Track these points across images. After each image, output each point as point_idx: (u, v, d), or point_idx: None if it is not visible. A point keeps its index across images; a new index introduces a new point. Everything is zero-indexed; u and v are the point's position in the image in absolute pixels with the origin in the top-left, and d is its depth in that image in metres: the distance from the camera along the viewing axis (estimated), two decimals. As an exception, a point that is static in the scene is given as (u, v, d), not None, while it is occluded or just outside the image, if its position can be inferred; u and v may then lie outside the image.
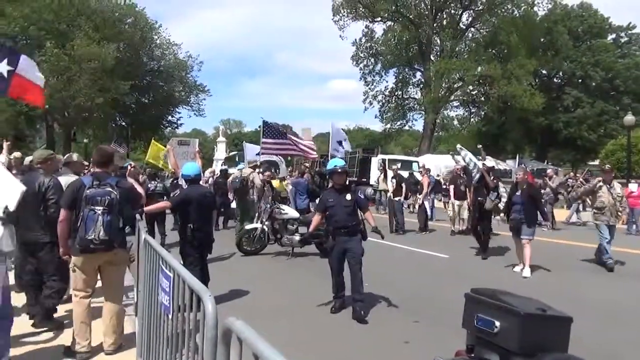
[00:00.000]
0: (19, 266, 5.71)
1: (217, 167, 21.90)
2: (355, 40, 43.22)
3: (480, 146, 12.27)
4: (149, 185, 10.12)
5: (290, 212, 10.19)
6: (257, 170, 12.47)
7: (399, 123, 45.05)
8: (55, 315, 5.04)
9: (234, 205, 12.98)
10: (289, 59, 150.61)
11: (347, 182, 6.28)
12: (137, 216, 5.09)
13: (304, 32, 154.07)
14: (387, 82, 44.98)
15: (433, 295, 6.95)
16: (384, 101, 44.18)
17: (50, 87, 26.92)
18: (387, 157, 24.56)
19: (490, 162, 12.76)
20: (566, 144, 42.91)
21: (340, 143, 15.08)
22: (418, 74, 43.43)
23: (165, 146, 13.93)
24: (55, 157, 5.52)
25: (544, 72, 43.86)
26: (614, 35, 43.63)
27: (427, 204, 14.51)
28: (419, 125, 46.29)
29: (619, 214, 8.98)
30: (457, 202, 13.07)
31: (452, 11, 40.47)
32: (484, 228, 10.17)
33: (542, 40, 41.26)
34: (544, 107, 36.93)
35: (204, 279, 5.45)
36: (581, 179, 15.24)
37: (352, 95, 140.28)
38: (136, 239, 4.55)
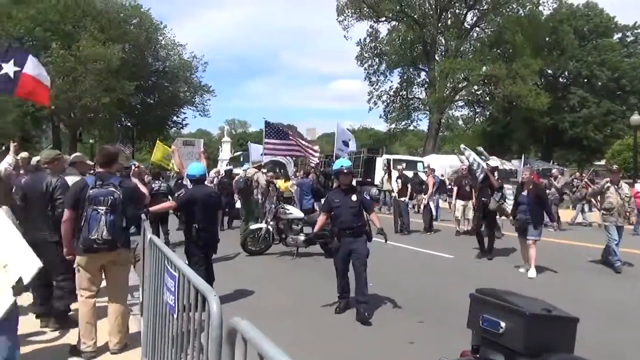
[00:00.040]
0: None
1: (222, 167, 21.96)
2: (360, 40, 43.28)
3: (480, 148, 12.23)
4: (153, 185, 10.14)
5: (294, 212, 10.20)
6: (261, 170, 12.49)
7: (403, 123, 44.99)
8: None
9: (238, 205, 13.00)
10: (293, 59, 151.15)
11: (354, 183, 6.27)
12: (143, 216, 5.11)
13: (308, 32, 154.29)
14: (391, 82, 45.09)
15: (438, 295, 6.93)
16: (388, 101, 44.15)
17: (56, 87, 27.09)
18: (391, 157, 24.50)
19: (494, 162, 12.70)
20: (572, 144, 42.71)
21: (346, 143, 15.07)
22: (423, 74, 43.40)
23: (170, 147, 13.98)
24: (62, 157, 5.55)
25: (549, 71, 43.67)
26: (620, 35, 43.38)
27: (432, 204, 14.48)
28: (423, 125, 46.29)
29: (628, 214, 8.90)
30: (462, 203, 13.02)
31: (457, 11, 40.39)
32: (489, 228, 10.13)
33: (547, 39, 41.10)
34: (549, 107, 36.78)
35: (209, 278, 5.47)
36: (586, 179, 15.14)
37: (357, 95, 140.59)
38: (142, 239, 4.57)
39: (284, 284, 7.73)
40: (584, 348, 2.44)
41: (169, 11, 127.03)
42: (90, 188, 4.14)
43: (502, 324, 2.26)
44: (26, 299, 5.50)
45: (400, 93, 44.03)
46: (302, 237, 9.47)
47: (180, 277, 2.69)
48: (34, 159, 6.33)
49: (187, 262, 4.87)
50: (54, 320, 4.90)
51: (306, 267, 8.98)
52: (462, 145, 11.15)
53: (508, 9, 38.26)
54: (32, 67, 6.93)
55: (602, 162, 37.16)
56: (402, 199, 13.47)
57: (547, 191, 12.19)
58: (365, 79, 44.27)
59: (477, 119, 46.52)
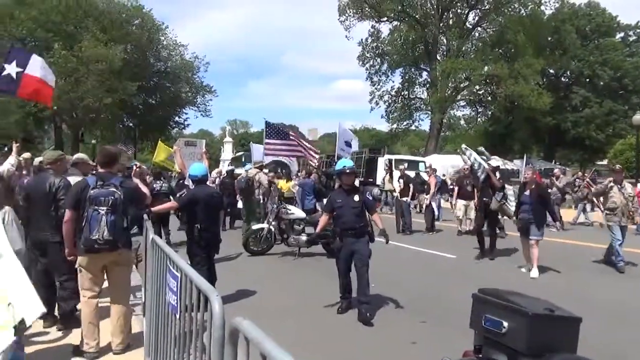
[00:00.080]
0: (29, 267, 5.75)
1: (224, 167, 21.97)
2: (362, 40, 43.28)
3: (481, 148, 12.19)
4: (155, 185, 10.16)
5: (296, 212, 10.20)
6: (262, 170, 12.50)
7: (405, 123, 44.96)
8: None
9: (240, 205, 13.01)
10: (295, 59, 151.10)
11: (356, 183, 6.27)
12: (145, 216, 5.12)
13: (310, 32, 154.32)
14: (393, 82, 44.98)
15: (440, 295, 6.93)
16: (390, 101, 44.15)
17: (59, 88, 27.06)
18: (393, 157, 24.50)
19: (495, 161, 12.65)
20: (574, 143, 42.66)
21: (348, 144, 15.05)
22: (424, 74, 43.36)
23: (172, 147, 13.99)
24: (65, 157, 5.55)
25: (551, 71, 43.64)
26: (622, 34, 43.35)
27: (434, 204, 14.48)
28: (425, 125, 46.30)
29: (632, 214, 8.86)
30: (463, 202, 13.01)
31: (459, 10, 40.35)
32: (491, 228, 10.12)
33: (549, 39, 41.07)
34: (551, 107, 36.73)
35: (211, 278, 5.47)
36: (587, 179, 15.12)
37: (359, 95, 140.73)
38: (144, 239, 4.58)
39: (286, 284, 7.74)
40: (586, 348, 2.43)
41: (170, 12, 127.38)
42: (91, 188, 4.15)
43: (505, 324, 2.26)
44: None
45: (402, 93, 44.03)
46: (304, 237, 9.49)
47: (182, 277, 2.69)
48: (37, 160, 6.35)
49: (189, 262, 4.88)
50: (60, 321, 4.91)
51: (308, 267, 8.98)
52: (463, 145, 11.13)
53: (510, 9, 38.21)
54: (36, 67, 6.95)
55: (605, 162, 37.08)
56: (404, 199, 13.47)
57: (549, 191, 12.17)
58: (367, 79, 44.36)
59: (479, 119, 46.50)
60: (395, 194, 14.86)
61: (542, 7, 38.97)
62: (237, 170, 16.25)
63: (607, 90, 40.83)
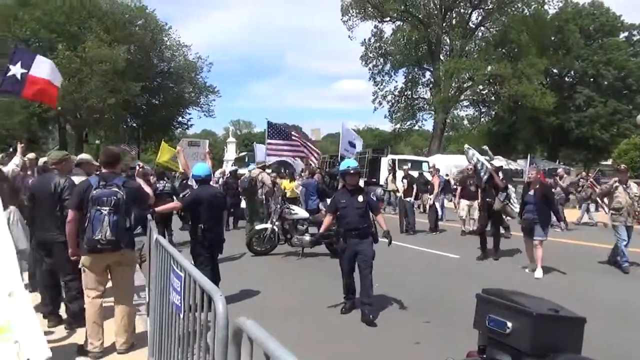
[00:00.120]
0: (33, 266, 5.78)
1: (227, 167, 21.99)
2: (364, 40, 43.17)
3: (485, 147, 12.16)
4: (158, 186, 10.19)
5: (300, 212, 10.20)
6: (265, 170, 12.51)
7: (408, 123, 44.84)
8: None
9: (244, 205, 13.03)
10: (298, 60, 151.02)
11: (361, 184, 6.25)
12: (149, 216, 5.13)
13: (312, 32, 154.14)
14: (396, 82, 44.88)
15: (444, 295, 6.92)
16: (393, 101, 44.05)
17: (62, 89, 27.12)
18: (397, 157, 24.50)
19: (498, 162, 12.62)
20: (578, 143, 42.50)
21: (352, 144, 15.05)
22: (427, 74, 43.27)
23: (175, 147, 14.02)
24: (70, 157, 5.58)
25: (555, 71, 43.46)
26: (626, 34, 43.12)
27: (437, 204, 14.46)
28: (428, 125, 46.13)
29: (638, 214, 8.81)
30: (467, 202, 12.99)
31: (462, 10, 40.23)
32: (494, 228, 10.10)
33: (553, 38, 40.91)
34: (555, 107, 36.60)
35: (215, 278, 5.48)
36: (591, 179, 15.06)
37: (361, 95, 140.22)
38: (147, 239, 4.59)
39: (289, 284, 7.74)
40: (590, 348, 2.42)
41: (174, 12, 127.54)
42: (94, 189, 4.16)
43: (509, 324, 2.26)
44: (34, 299, 5.54)
45: (405, 93, 43.93)
46: (307, 238, 9.49)
47: (186, 277, 2.70)
48: (41, 160, 6.38)
49: (192, 263, 4.89)
50: (70, 320, 4.93)
51: (311, 268, 8.98)
52: (466, 145, 11.12)
53: (513, 8, 38.06)
54: (41, 67, 6.97)
55: (609, 162, 36.96)
56: (408, 199, 13.45)
57: (553, 190, 12.13)
58: (370, 79, 44.25)
59: (482, 119, 46.34)
60: (398, 194, 14.84)
61: (546, 7, 38.85)
62: (241, 171, 16.27)
63: (611, 90, 40.65)
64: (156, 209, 6.09)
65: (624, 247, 8.53)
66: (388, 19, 41.10)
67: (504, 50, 39.46)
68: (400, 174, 15.24)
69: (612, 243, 9.02)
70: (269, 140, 13.27)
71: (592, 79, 41.63)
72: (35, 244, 5.18)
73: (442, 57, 40.32)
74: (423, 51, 41.78)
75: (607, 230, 9.04)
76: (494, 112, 43.46)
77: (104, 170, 4.45)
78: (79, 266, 4.36)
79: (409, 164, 16.61)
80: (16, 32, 31.64)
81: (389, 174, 18.40)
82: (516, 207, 9.53)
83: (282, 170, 17.56)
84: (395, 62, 43.03)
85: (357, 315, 5.78)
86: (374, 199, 6.44)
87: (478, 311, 2.49)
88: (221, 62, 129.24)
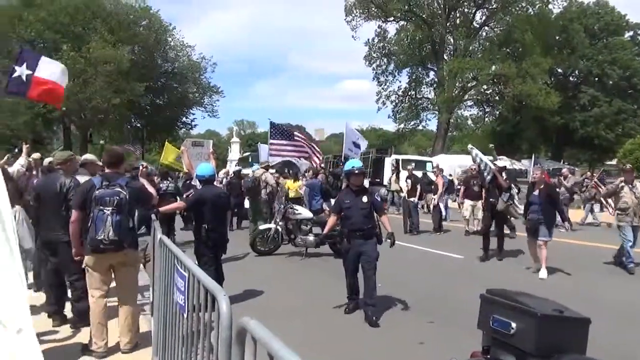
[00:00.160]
0: (38, 266, 5.81)
1: (231, 167, 22.04)
2: (368, 40, 43.22)
3: (492, 145, 12.12)
4: (161, 186, 10.21)
5: (303, 212, 10.20)
6: (268, 170, 12.52)
7: (412, 123, 44.85)
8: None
9: (247, 205, 13.05)
10: (301, 60, 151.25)
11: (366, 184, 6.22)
12: (153, 216, 5.15)
13: (315, 32, 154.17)
14: (400, 82, 44.90)
15: (447, 295, 6.90)
16: (397, 101, 44.05)
17: (67, 89, 27.28)
18: (400, 157, 24.45)
19: (502, 162, 12.60)
20: (583, 143, 42.36)
21: (356, 144, 15.04)
22: (431, 74, 43.24)
23: (179, 148, 14.07)
24: (75, 157, 5.60)
25: (559, 70, 43.36)
26: (631, 33, 42.97)
27: (441, 205, 14.43)
28: (432, 125, 46.17)
29: None
30: (470, 202, 12.96)
31: (466, 10, 40.19)
32: (498, 228, 10.07)
33: (557, 38, 40.82)
34: (559, 106, 36.47)
35: (219, 278, 5.49)
36: (595, 179, 14.99)
37: (365, 95, 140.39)
38: (151, 239, 4.60)
39: (293, 284, 7.74)
40: (595, 349, 2.41)
41: (178, 12, 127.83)
42: (97, 189, 4.17)
43: (513, 325, 2.25)
44: (39, 298, 5.57)
45: (409, 93, 43.92)
46: (311, 238, 9.48)
47: (190, 277, 2.70)
48: (46, 160, 6.41)
49: (196, 262, 4.90)
50: (74, 320, 4.94)
51: (315, 268, 8.98)
52: (470, 145, 11.09)
53: (517, 8, 37.97)
54: (46, 68, 7.00)
55: (614, 162, 36.76)
56: (412, 199, 13.43)
57: (557, 190, 12.08)
58: (374, 79, 44.30)
59: (486, 119, 46.29)
60: (402, 194, 14.82)
61: (550, 6, 38.78)
62: (245, 171, 16.29)
63: (616, 90, 40.51)
64: (160, 209, 6.10)
65: (630, 247, 8.47)
66: (392, 18, 41.09)
67: (508, 49, 39.36)
68: (404, 174, 15.22)
69: (616, 243, 8.97)
70: (272, 141, 13.28)
71: (596, 79, 41.47)
72: (41, 244, 5.21)
73: (446, 57, 40.30)
74: (427, 51, 41.74)
75: (611, 231, 8.98)
76: (498, 112, 43.39)
77: (107, 171, 4.47)
78: (82, 266, 4.37)
79: (413, 164, 16.58)
80: (21, 32, 31.80)
81: (393, 174, 18.38)
82: (520, 208, 9.50)
83: (286, 171, 17.57)
84: (399, 62, 43.03)
85: (361, 315, 5.78)
86: (378, 199, 6.41)
87: (482, 311, 2.49)
88: (222, 62, 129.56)
